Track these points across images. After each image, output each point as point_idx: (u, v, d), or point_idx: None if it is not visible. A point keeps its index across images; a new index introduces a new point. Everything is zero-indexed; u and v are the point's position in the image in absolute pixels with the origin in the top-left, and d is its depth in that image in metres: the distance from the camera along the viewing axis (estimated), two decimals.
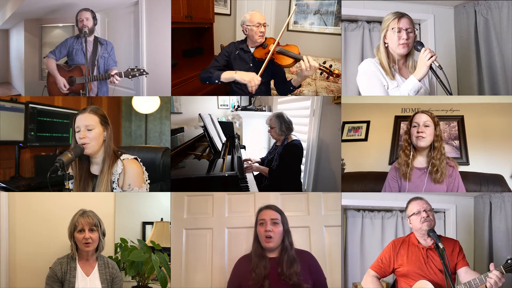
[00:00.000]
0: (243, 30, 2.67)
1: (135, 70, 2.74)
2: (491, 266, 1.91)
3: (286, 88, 2.69)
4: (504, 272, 1.86)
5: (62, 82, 2.88)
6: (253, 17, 2.61)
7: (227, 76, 2.59)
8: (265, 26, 2.63)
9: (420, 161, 2.24)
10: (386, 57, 2.26)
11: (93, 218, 2.16)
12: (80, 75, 2.85)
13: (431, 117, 2.20)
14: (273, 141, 3.68)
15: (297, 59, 2.49)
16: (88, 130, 1.98)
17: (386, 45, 2.24)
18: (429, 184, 2.19)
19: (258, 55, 2.64)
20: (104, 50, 2.93)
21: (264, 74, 2.58)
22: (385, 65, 2.26)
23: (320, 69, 2.45)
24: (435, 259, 2.10)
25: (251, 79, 2.50)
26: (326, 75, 2.47)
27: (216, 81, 2.62)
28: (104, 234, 2.22)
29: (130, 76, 2.75)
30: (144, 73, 2.75)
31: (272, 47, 2.54)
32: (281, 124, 3.26)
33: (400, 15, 2.20)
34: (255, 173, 3.44)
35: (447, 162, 2.19)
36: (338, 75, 2.45)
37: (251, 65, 2.66)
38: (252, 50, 2.69)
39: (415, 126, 2.20)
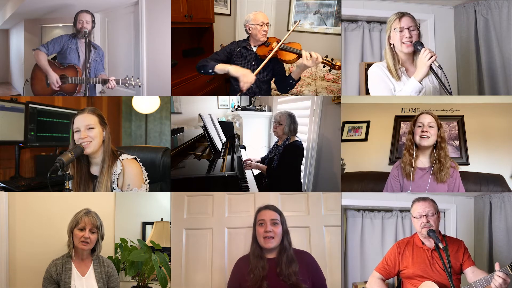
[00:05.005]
0: (246, 29, 2.71)
1: (132, 79, 2.81)
2: (496, 265, 1.90)
3: (286, 83, 2.71)
4: (511, 272, 1.85)
5: (55, 78, 2.84)
6: (257, 16, 2.66)
7: (221, 67, 2.60)
8: (268, 25, 2.68)
9: (423, 161, 2.25)
10: (392, 59, 2.25)
11: (96, 219, 2.17)
12: (73, 75, 2.85)
13: (435, 118, 2.25)
14: (273, 141, 3.67)
15: (300, 55, 2.54)
16: (88, 129, 2.00)
17: (392, 45, 2.25)
18: (431, 184, 2.21)
19: (261, 53, 2.67)
20: (97, 55, 2.96)
21: (264, 72, 2.59)
22: (391, 67, 2.26)
23: (322, 62, 2.50)
24: (440, 260, 2.09)
25: (244, 74, 2.50)
26: (329, 68, 2.52)
27: (210, 71, 2.61)
28: (102, 238, 2.22)
29: (127, 84, 2.82)
30: (139, 83, 2.85)
31: (275, 45, 2.59)
32: (291, 124, 3.22)
33: (401, 15, 2.22)
34: (255, 172, 3.44)
35: None
36: (340, 67, 2.51)
37: (253, 63, 2.68)
38: (254, 48, 2.72)
39: (420, 126, 2.24)
